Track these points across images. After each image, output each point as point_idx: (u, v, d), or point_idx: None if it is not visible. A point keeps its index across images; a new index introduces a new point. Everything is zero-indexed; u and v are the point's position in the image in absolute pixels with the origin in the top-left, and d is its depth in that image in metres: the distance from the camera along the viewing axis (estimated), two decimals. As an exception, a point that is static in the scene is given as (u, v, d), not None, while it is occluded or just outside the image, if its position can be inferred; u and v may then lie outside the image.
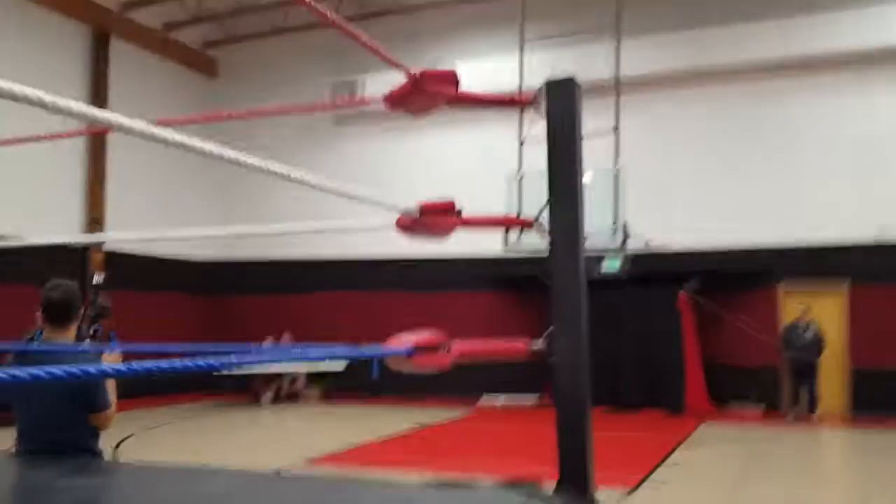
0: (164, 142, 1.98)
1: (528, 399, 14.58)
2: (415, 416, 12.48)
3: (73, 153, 14.62)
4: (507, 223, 2.81)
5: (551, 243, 3.03)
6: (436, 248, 15.96)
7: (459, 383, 15.47)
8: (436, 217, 2.74)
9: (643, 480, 7.39)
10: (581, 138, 2.96)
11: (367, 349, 2.43)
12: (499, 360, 3.11)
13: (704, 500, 6.72)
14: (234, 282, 17.24)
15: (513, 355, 3.07)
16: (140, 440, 10.29)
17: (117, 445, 9.39)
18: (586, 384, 2.94)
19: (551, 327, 2.97)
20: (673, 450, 9.27)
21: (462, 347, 2.68)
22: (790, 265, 13.21)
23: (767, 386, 13.27)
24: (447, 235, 2.90)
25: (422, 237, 2.88)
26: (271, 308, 16.57)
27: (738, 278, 13.64)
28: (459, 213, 2.80)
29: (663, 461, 8.50)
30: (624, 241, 11.50)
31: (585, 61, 12.17)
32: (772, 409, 13.11)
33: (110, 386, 3.80)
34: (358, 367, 15.45)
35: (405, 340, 2.55)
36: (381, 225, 2.92)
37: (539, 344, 2.98)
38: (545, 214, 3.12)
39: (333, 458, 8.70)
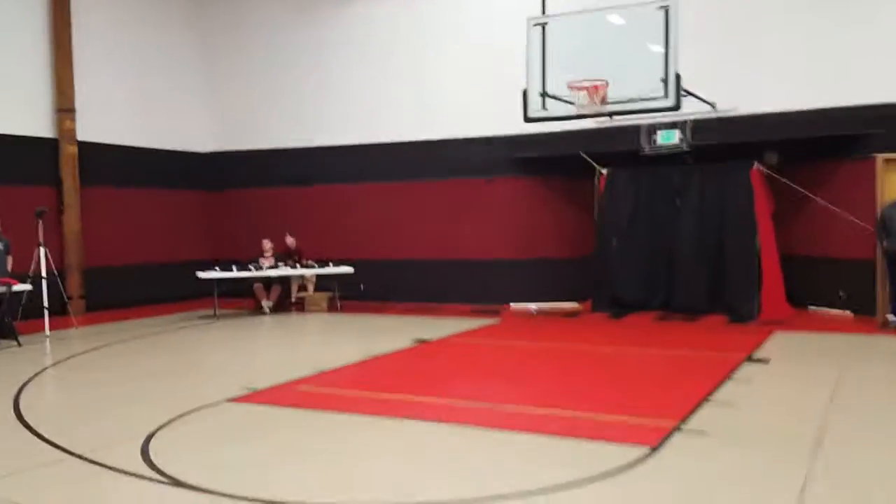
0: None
1: (567, 306, 12.42)
2: (429, 327, 10.48)
3: (35, 35, 12.60)
4: None
5: None
6: (447, 129, 13.65)
7: (491, 290, 13.44)
8: None
9: (672, 432, 5.17)
10: None
11: None
12: None
13: (750, 475, 4.46)
14: (232, 174, 15.27)
15: None
16: (105, 353, 8.75)
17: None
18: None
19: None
20: (728, 376, 6.96)
21: None
22: (892, 128, 10.26)
23: (861, 284, 10.63)
24: None
25: None
26: (275, 202, 14.64)
27: (825, 147, 10.83)
28: None
29: (711, 396, 6.22)
30: (678, 100, 8.85)
31: None
32: (865, 313, 10.51)
33: None
34: (373, 272, 13.56)
35: None
36: None
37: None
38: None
39: (266, 393, 6.78)
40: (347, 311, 12.69)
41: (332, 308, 12.95)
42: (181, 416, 5.87)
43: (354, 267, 13.04)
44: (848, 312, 10.74)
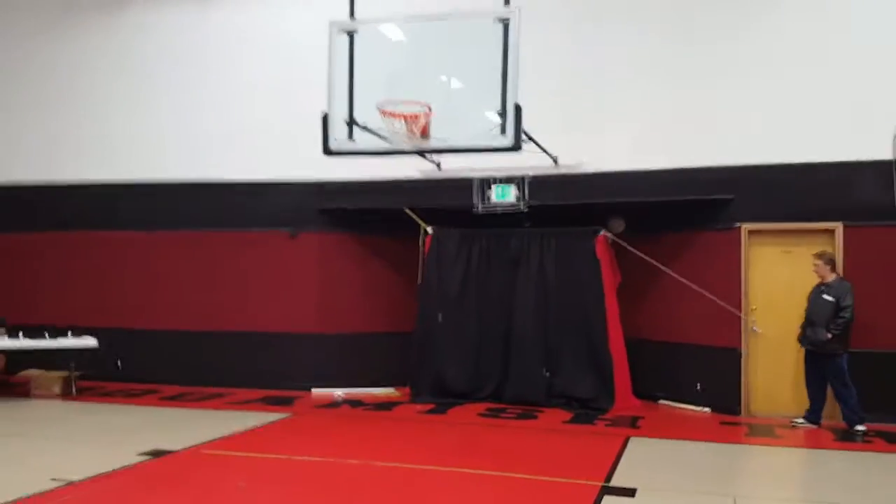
0: None
1: (381, 393, 10.07)
2: (186, 427, 7.67)
3: None
4: None
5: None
6: (236, 168, 10.94)
7: (291, 371, 10.71)
8: None
9: None
10: None
11: None
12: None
13: None
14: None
15: None
16: None
17: None
18: None
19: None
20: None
21: None
22: (758, 195, 8.85)
23: (720, 375, 8.99)
24: None
25: None
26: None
27: (681, 213, 9.27)
28: None
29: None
30: (518, 139, 6.88)
31: None
32: (725, 410, 8.85)
33: None
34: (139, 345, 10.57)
35: None
36: None
37: None
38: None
39: None
40: (88, 398, 9.53)
41: (66, 392, 9.70)
42: None
43: (107, 338, 9.96)
44: (706, 409, 9.07)
